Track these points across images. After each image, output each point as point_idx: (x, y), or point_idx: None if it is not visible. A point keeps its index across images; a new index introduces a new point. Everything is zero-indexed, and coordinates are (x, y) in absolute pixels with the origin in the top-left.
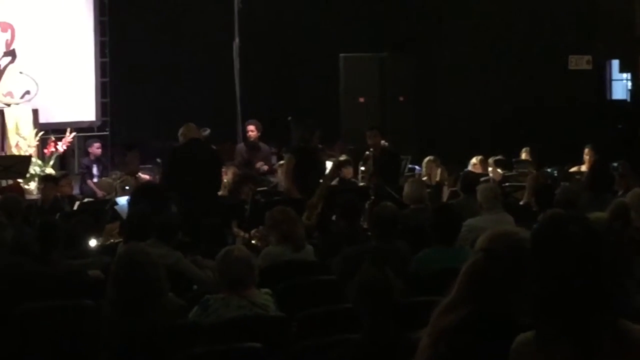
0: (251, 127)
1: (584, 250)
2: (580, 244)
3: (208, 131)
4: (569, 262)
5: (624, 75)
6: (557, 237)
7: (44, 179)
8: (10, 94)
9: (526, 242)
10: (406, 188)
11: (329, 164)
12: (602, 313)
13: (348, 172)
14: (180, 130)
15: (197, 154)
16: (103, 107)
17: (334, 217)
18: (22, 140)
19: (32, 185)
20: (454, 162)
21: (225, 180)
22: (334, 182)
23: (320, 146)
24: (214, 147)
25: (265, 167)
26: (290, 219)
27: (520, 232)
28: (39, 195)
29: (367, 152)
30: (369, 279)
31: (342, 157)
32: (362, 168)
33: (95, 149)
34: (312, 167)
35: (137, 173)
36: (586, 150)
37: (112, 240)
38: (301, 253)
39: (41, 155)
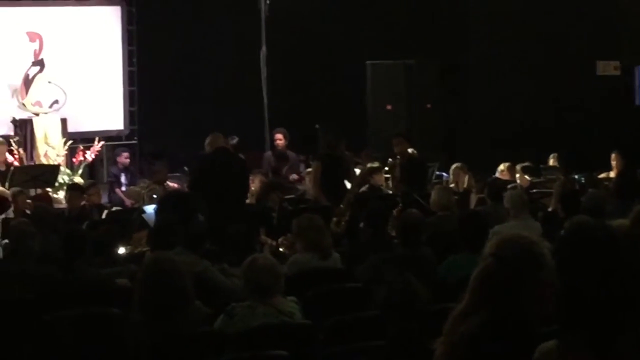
0: (279, 136)
1: (609, 260)
2: (605, 253)
3: (236, 139)
4: (594, 271)
5: None
6: (582, 247)
7: (70, 188)
8: (38, 103)
9: (536, 247)
10: (433, 195)
11: (357, 171)
12: (625, 322)
13: (379, 178)
14: (207, 140)
15: (224, 163)
16: (131, 116)
17: (362, 225)
18: (51, 149)
19: (61, 195)
20: (482, 169)
21: (252, 189)
22: (363, 189)
23: (347, 153)
24: (242, 155)
25: (296, 176)
26: (316, 226)
27: (530, 237)
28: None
29: (390, 160)
30: (394, 287)
31: (374, 164)
32: (387, 175)
33: (124, 158)
34: (339, 175)
35: (165, 182)
36: (613, 156)
37: (140, 249)
38: (328, 260)
39: (70, 164)
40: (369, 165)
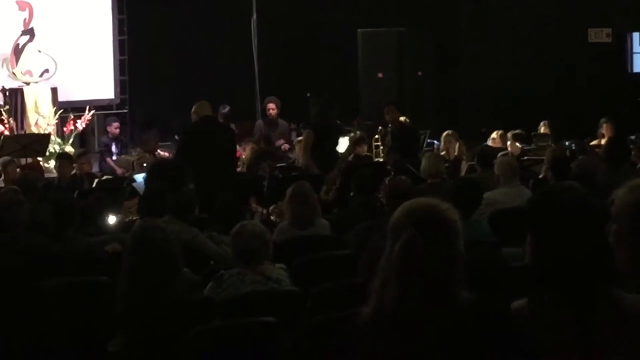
0: (271, 105)
1: (577, 220)
2: (573, 213)
3: (228, 108)
4: (563, 231)
5: None
6: (550, 207)
7: (60, 157)
8: (29, 72)
9: (449, 213)
10: (424, 162)
11: (343, 140)
12: (597, 281)
13: (362, 149)
14: (193, 108)
15: (210, 131)
16: (122, 85)
17: (352, 193)
18: (42, 118)
19: (52, 164)
20: (474, 136)
21: (243, 157)
22: (349, 158)
23: (338, 122)
24: (233, 125)
25: (286, 146)
26: (302, 194)
27: (439, 204)
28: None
29: (380, 128)
30: (377, 252)
31: (357, 134)
32: (377, 143)
33: (114, 128)
34: (330, 143)
35: (155, 151)
36: (604, 126)
37: (130, 218)
38: (317, 228)
39: (60, 134)
40: (351, 135)
